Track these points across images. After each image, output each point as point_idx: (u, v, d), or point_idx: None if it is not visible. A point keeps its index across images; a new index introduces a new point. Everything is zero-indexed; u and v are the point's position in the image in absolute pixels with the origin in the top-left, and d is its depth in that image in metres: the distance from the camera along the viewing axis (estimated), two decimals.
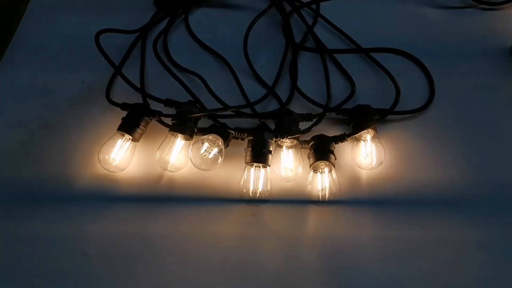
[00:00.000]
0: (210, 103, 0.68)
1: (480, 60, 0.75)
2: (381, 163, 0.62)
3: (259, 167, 0.60)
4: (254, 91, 0.72)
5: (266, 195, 0.59)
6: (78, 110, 0.71)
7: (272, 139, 0.60)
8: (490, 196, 0.61)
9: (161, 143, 0.63)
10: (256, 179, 0.59)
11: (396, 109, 0.67)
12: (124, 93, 0.70)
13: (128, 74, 0.71)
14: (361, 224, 0.59)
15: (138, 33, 0.79)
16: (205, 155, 0.61)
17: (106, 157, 0.63)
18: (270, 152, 0.60)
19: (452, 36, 0.79)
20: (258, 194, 0.59)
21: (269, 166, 0.60)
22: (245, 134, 0.62)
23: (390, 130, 0.67)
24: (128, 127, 0.63)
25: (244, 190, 0.59)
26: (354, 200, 0.61)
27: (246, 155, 0.60)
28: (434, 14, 0.82)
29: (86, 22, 0.82)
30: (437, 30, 0.80)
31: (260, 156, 0.59)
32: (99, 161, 0.63)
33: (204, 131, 0.64)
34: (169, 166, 0.63)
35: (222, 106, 0.66)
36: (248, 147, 0.60)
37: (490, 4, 0.81)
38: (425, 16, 0.82)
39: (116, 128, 0.64)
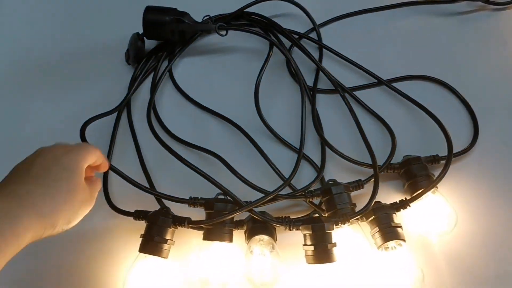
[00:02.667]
0: (230, 182, 0.56)
1: (509, 71, 0.68)
2: (455, 225, 0.54)
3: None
4: (276, 154, 0.61)
5: None
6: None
7: (333, 229, 0.51)
8: None
9: (198, 257, 0.52)
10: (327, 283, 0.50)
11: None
12: (125, 191, 0.58)
13: (123, 163, 0.58)
14: None
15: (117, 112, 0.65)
16: (263, 268, 0.51)
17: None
18: (335, 245, 0.51)
19: (469, 45, 0.71)
20: None
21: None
22: (300, 227, 0.52)
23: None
24: (154, 246, 0.51)
25: None
26: (434, 277, 0.53)
27: (307, 255, 0.51)
28: (446, 23, 0.74)
29: (56, 104, 0.68)
30: (452, 40, 0.72)
31: (326, 254, 0.50)
32: None
33: (242, 226, 0.53)
34: (213, 285, 0.51)
35: (260, 193, 0.54)
36: (308, 244, 0.50)
37: (500, 4, 0.74)
38: (438, 27, 0.74)
39: (134, 246, 0.52)
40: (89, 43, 0.75)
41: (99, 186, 0.47)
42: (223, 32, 0.68)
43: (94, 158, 0.45)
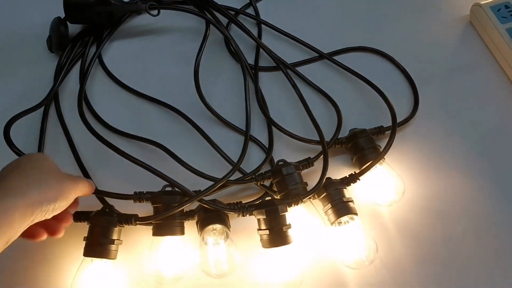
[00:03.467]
0: (177, 173, 0.53)
1: (444, 36, 0.69)
2: (403, 193, 0.55)
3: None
4: (222, 139, 0.59)
5: (301, 277, 0.50)
6: None
7: (287, 211, 0.50)
8: None
9: (149, 253, 0.49)
10: (285, 265, 0.49)
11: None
12: None
13: (57, 161, 0.53)
14: (402, 269, 0.53)
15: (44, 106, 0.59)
16: (218, 258, 0.49)
17: None
18: (290, 226, 0.50)
19: (406, 15, 0.71)
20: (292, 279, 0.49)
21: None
22: (253, 212, 0.50)
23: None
24: (99, 249, 0.48)
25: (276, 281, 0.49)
26: (386, 245, 0.54)
27: (262, 239, 0.49)
28: None
29: None
30: (389, 11, 0.71)
31: (282, 237, 0.49)
32: None
33: (193, 216, 0.51)
34: (168, 280, 0.49)
35: (209, 181, 0.52)
36: (263, 229, 0.49)
37: None
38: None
39: (77, 250, 0.48)
40: (6, 31, 0.68)
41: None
42: (155, 12, 0.64)
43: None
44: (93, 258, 0.48)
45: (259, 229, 0.50)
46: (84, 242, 0.48)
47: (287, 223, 0.50)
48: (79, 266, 0.48)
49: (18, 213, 0.40)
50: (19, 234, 0.41)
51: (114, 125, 0.59)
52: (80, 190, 0.47)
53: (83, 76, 0.62)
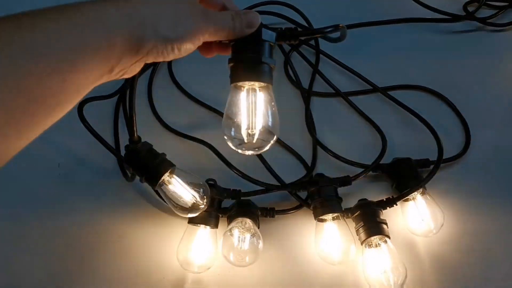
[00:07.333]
0: (219, 172, 0.57)
1: (503, 86, 0.69)
2: (442, 225, 0.54)
3: None
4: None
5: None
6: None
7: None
8: None
9: (181, 240, 0.52)
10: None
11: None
12: None
13: None
14: None
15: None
16: (240, 247, 0.50)
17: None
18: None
19: (467, 63, 0.72)
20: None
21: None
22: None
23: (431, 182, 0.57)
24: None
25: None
26: (419, 276, 0.52)
27: (316, 208, 0.53)
28: (443, 40, 0.75)
29: None
30: (451, 59, 0.73)
31: (336, 206, 0.53)
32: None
33: (227, 212, 0.53)
34: (195, 267, 0.51)
35: (252, 181, 0.56)
36: (316, 198, 0.53)
37: (498, 26, 0.75)
38: (434, 42, 0.75)
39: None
40: None
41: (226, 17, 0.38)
42: None
43: None
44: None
45: (312, 200, 0.54)
46: None
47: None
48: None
49: (120, 34, 0.31)
50: (125, 70, 0.33)
51: (171, 124, 0.65)
52: (215, 33, 0.37)
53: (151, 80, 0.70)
